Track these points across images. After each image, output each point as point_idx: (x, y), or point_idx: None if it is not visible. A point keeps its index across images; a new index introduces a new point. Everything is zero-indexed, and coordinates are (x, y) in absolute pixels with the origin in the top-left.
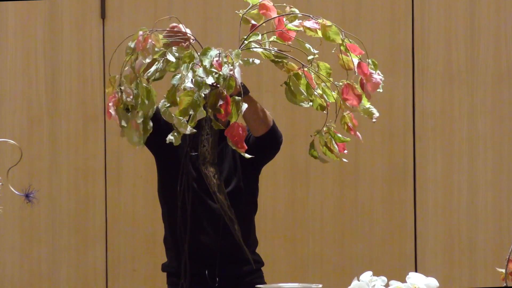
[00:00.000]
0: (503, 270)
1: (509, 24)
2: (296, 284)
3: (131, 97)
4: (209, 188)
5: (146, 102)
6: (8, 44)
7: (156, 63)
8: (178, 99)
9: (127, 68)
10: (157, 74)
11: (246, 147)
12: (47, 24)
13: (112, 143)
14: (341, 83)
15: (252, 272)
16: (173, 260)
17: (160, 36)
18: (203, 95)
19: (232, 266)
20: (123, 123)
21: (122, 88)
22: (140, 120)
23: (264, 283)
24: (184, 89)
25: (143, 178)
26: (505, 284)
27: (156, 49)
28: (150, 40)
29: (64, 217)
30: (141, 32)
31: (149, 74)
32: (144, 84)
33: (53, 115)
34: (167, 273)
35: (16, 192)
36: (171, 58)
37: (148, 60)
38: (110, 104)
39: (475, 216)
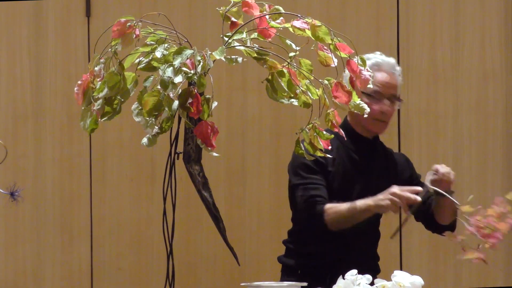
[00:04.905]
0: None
1: (493, 23)
2: (282, 283)
3: (99, 79)
4: (195, 187)
5: (105, 89)
6: None
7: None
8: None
9: (109, 50)
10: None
11: (215, 146)
12: (32, 22)
13: (97, 142)
14: (326, 81)
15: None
16: (296, 257)
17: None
18: (171, 95)
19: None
20: (84, 105)
21: (96, 68)
22: (97, 107)
23: None
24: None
25: (128, 177)
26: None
27: (147, 42)
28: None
29: (49, 215)
30: (123, 19)
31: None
32: (114, 70)
33: (38, 113)
34: (283, 264)
35: (1, 191)
36: (158, 54)
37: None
38: (79, 82)
39: (460, 214)
